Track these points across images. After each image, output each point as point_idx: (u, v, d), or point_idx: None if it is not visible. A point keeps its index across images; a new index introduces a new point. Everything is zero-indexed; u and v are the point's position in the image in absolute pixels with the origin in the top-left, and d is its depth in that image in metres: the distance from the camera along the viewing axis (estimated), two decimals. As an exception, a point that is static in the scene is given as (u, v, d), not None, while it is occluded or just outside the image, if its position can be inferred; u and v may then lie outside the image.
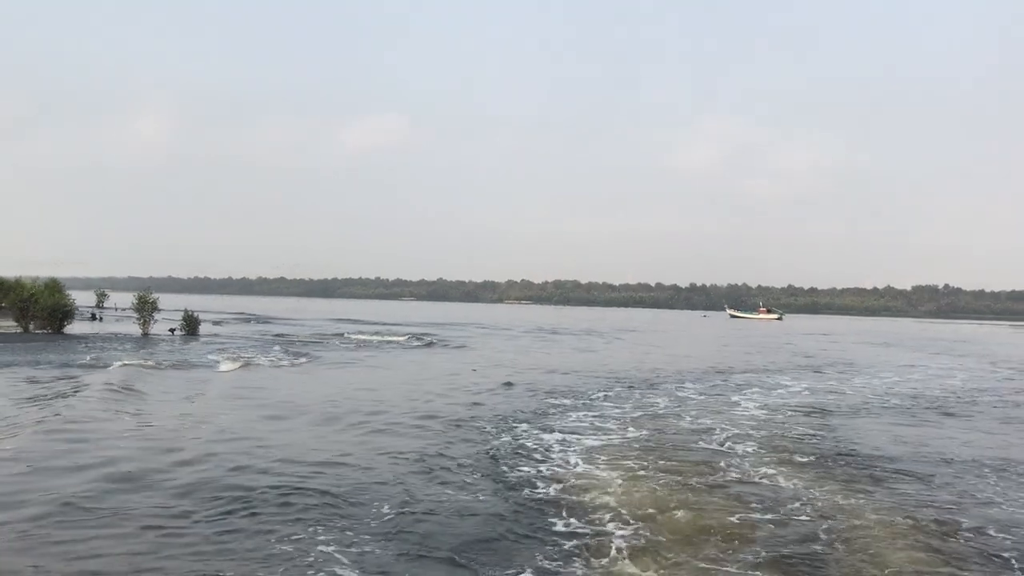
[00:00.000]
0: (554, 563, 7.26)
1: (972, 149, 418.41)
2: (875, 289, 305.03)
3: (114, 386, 18.23)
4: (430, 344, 41.08)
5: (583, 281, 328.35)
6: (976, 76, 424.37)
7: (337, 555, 7.24)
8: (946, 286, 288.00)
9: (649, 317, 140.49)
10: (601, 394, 20.70)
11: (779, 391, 22.96)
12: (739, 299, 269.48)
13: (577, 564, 7.26)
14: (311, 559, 7.11)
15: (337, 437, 13.46)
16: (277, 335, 43.99)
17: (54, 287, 38.73)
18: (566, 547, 7.73)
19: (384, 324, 64.83)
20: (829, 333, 79.54)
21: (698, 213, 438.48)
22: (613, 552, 7.59)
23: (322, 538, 7.71)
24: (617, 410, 17.73)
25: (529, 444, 13.14)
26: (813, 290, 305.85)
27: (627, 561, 7.36)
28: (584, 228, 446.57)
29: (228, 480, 9.91)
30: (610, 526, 8.44)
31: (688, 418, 16.77)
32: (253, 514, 8.46)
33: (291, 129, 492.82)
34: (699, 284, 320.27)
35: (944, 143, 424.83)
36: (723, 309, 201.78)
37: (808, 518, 8.91)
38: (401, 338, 44.22)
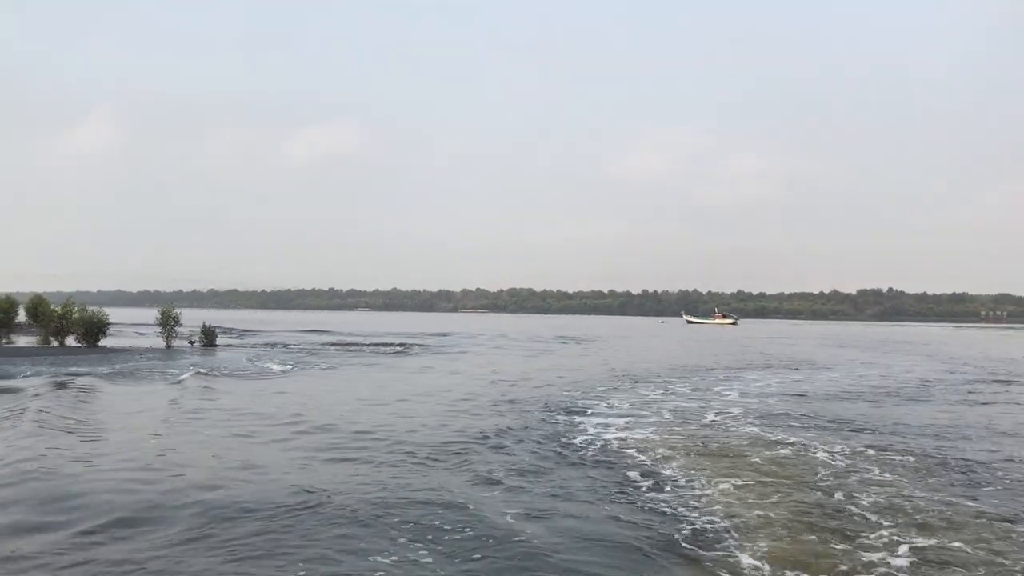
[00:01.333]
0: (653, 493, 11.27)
1: (914, 157, 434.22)
2: (822, 293, 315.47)
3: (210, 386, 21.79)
4: (434, 352, 44.85)
5: (538, 289, 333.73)
6: (921, 85, 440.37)
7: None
8: (890, 290, 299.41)
9: (610, 324, 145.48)
10: (622, 387, 24.80)
11: (764, 383, 27.30)
12: (691, 305, 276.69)
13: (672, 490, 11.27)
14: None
15: (448, 414, 17.28)
16: (285, 345, 47.20)
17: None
18: (664, 489, 11.75)
19: (361, 335, 67.89)
20: (786, 336, 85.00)
21: (648, 220, 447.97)
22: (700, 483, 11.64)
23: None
24: (651, 395, 21.86)
25: (581, 422, 17.18)
26: (762, 295, 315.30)
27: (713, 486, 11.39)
28: (537, 236, 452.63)
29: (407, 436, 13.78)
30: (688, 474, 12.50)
31: (711, 402, 20.99)
32: (435, 460, 12.35)
33: (241, 139, 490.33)
34: (651, 291, 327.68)
35: (886, 151, 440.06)
36: (677, 315, 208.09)
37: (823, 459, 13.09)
38: (397, 347, 47.86)
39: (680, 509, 9.71)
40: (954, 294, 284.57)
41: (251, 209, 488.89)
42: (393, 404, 20.03)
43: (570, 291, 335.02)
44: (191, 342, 42.18)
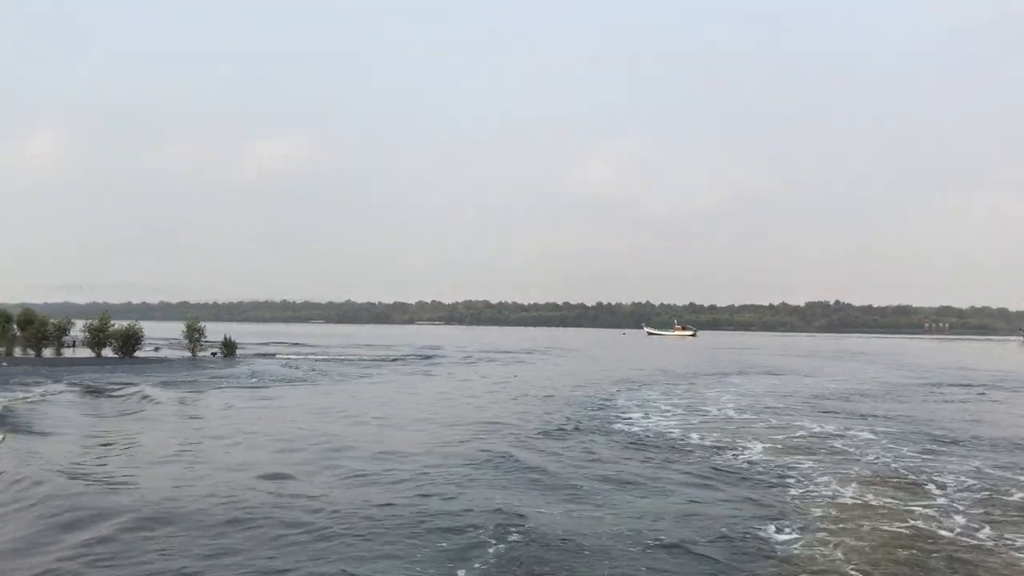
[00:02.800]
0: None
1: (858, 172, 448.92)
2: (771, 306, 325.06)
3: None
4: (437, 362, 48.54)
5: (493, 301, 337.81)
6: (866, 101, 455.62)
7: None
8: (837, 302, 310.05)
9: (572, 336, 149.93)
10: (630, 390, 28.90)
11: (754, 385, 31.66)
12: (644, 317, 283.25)
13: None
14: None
15: (511, 403, 21.14)
16: (294, 357, 50.42)
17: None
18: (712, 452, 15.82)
19: (345, 347, 70.62)
20: (747, 347, 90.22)
21: (599, 233, 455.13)
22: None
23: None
24: (660, 396, 25.99)
25: (624, 408, 21.24)
26: (713, 307, 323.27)
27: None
28: (489, 248, 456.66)
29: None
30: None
31: (711, 400, 25.21)
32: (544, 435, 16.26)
33: (192, 150, 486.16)
34: (605, 302, 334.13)
35: (832, 167, 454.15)
36: (631, 327, 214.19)
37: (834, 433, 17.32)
38: (401, 357, 51.43)
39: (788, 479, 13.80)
40: (899, 306, 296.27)
41: (201, 220, 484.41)
42: (488, 402, 23.88)
43: (525, 303, 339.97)
44: (213, 353, 45.26)
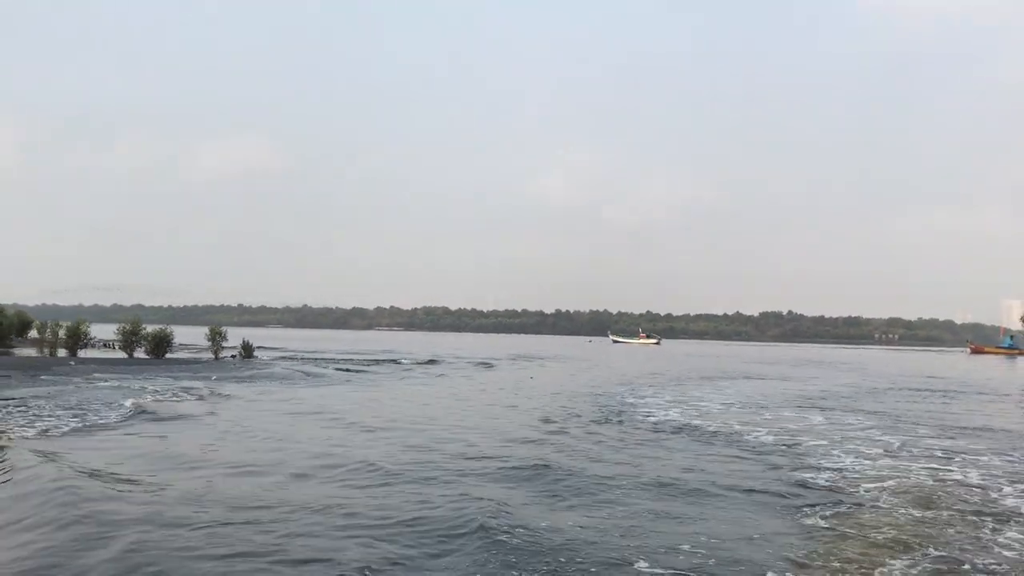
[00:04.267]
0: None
1: (810, 185, 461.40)
2: (725, 315, 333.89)
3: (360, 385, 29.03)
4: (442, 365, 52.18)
5: (452, 307, 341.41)
6: (818, 117, 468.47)
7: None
8: (790, 312, 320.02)
9: (539, 343, 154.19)
10: (636, 391, 33.01)
11: (742, 387, 35.96)
12: (602, 324, 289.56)
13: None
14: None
15: (549, 399, 25.05)
16: (297, 359, 53.65)
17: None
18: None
19: (319, 352, 73.79)
20: (713, 355, 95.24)
21: (556, 241, 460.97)
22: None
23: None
24: (665, 395, 30.11)
25: (641, 404, 25.29)
26: (669, 316, 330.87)
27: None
28: (446, 255, 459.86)
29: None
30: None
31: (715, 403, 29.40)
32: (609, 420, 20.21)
33: (143, 150, 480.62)
34: (563, 310, 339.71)
35: (784, 180, 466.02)
36: (592, 334, 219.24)
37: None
38: (405, 363, 55.01)
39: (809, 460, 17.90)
40: (849, 317, 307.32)
41: (154, 223, 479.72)
42: (526, 398, 27.75)
43: (484, 310, 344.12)
44: (233, 356, 48.35)
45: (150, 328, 46.08)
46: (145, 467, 12.96)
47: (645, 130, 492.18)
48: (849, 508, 11.05)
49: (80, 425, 17.83)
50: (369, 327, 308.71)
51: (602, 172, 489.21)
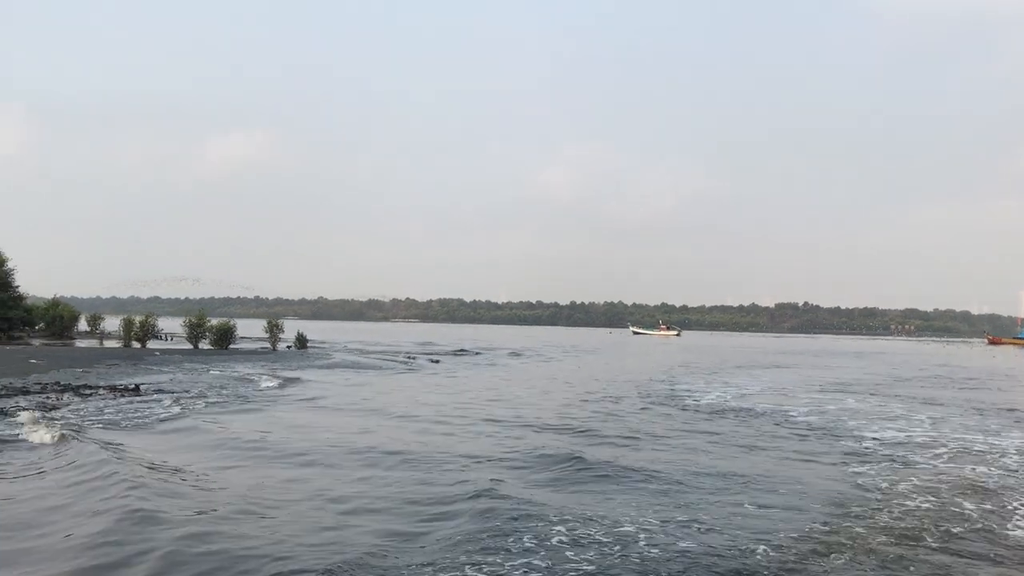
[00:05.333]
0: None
1: (827, 175, 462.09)
2: (741, 306, 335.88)
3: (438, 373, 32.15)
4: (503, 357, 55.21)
5: (467, 299, 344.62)
6: (833, 109, 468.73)
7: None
8: (805, 303, 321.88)
9: (561, 335, 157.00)
10: (676, 379, 35.96)
11: (775, 376, 38.85)
12: (618, 316, 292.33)
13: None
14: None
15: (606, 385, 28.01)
16: (353, 351, 56.78)
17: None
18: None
19: (357, 342, 76.92)
20: (735, 346, 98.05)
21: (566, 234, 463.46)
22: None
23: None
24: (705, 382, 33.05)
25: (689, 390, 28.25)
26: (684, 308, 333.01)
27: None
28: (459, 247, 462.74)
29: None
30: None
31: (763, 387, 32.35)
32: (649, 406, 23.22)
33: (154, 144, 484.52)
34: (578, 302, 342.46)
35: (796, 172, 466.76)
36: (607, 326, 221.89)
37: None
38: (452, 352, 58.07)
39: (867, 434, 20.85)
40: (866, 308, 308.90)
41: (168, 217, 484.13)
42: (593, 381, 30.82)
43: (498, 302, 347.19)
44: (288, 347, 51.56)
45: (214, 321, 49.39)
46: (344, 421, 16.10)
47: (658, 120, 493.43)
48: (899, 468, 13.96)
49: (225, 402, 20.92)
50: (385, 319, 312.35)
51: (614, 163, 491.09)
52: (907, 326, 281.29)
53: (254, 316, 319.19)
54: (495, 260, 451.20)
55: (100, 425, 16.60)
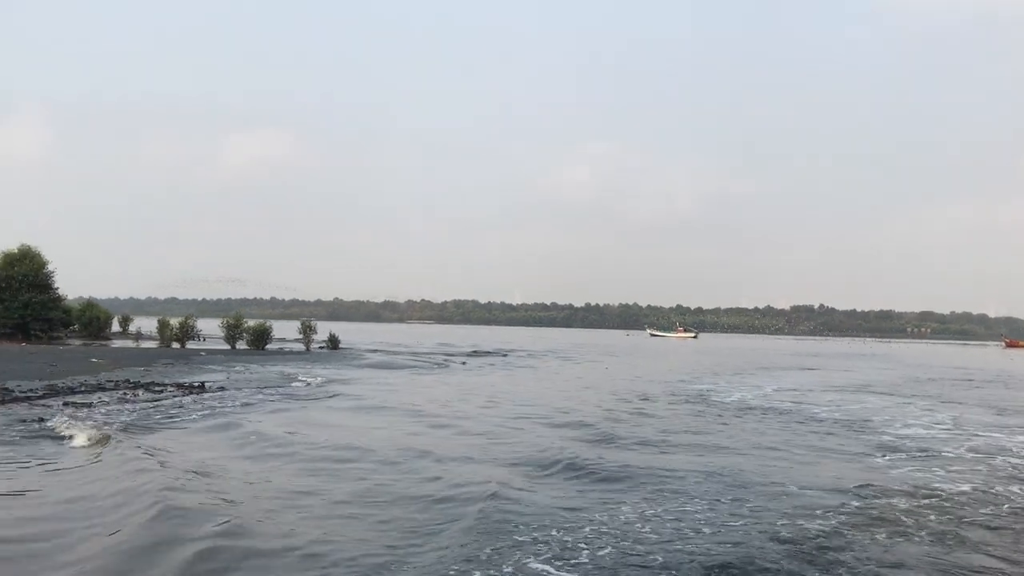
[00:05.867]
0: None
1: (841, 177, 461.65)
2: (756, 309, 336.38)
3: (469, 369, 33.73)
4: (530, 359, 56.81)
5: (481, 301, 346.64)
6: (849, 110, 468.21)
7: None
8: (821, 306, 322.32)
9: (578, 336, 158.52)
10: (701, 380, 37.39)
11: (798, 377, 40.22)
12: (633, 318, 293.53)
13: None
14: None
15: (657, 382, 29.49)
16: (379, 351, 58.41)
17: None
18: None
19: (407, 346, 78.56)
20: (754, 348, 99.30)
21: (582, 234, 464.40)
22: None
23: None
24: (731, 383, 34.47)
25: (715, 390, 29.68)
26: (700, 310, 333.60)
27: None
28: (470, 248, 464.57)
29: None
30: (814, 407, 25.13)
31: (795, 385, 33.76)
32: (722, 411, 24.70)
33: (174, 144, 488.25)
34: (592, 304, 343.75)
35: (811, 173, 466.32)
36: (622, 327, 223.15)
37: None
38: (475, 354, 59.62)
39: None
40: (881, 311, 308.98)
41: (183, 217, 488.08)
42: (621, 381, 32.33)
43: (513, 303, 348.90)
44: (320, 347, 53.27)
45: (251, 323, 51.19)
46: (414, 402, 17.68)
47: (672, 119, 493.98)
48: (923, 459, 15.39)
49: (284, 399, 22.57)
50: (400, 320, 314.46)
51: (627, 163, 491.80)
52: (923, 329, 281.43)
53: (270, 317, 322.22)
54: (509, 261, 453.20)
55: (187, 418, 18.28)
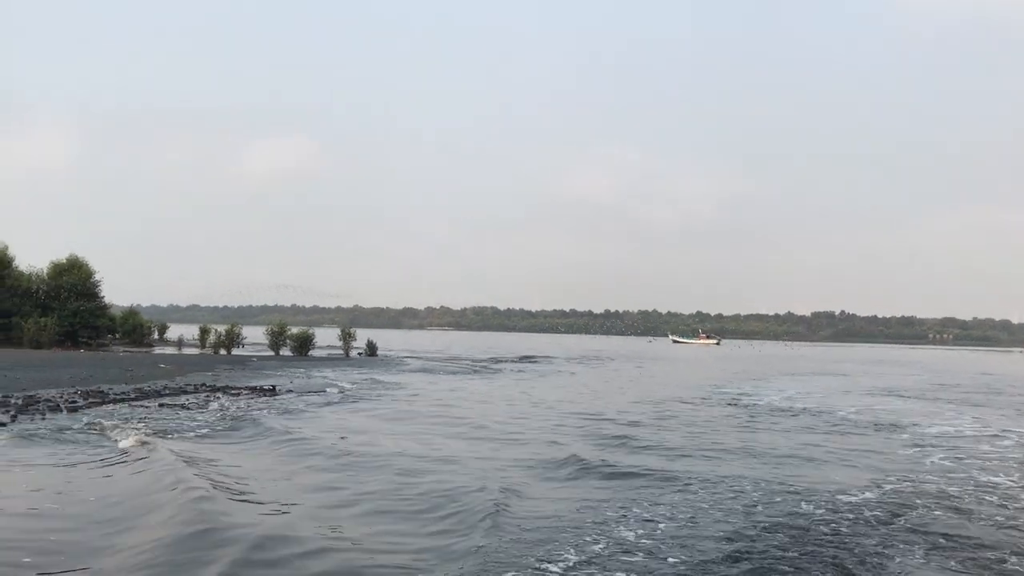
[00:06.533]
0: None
1: (862, 182, 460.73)
2: (776, 315, 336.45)
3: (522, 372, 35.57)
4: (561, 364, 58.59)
5: (501, 308, 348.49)
6: (867, 112, 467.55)
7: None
8: (842, 312, 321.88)
9: (600, 343, 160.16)
10: (732, 384, 39.04)
11: (826, 382, 41.80)
12: (652, 324, 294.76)
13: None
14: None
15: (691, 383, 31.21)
16: (419, 357, 60.35)
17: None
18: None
19: (411, 350, 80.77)
20: (778, 356, 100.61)
21: (600, 240, 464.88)
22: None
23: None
24: (763, 388, 36.11)
25: (749, 392, 31.36)
26: (720, 316, 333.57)
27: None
28: (488, 254, 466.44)
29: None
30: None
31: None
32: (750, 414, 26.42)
33: (191, 149, 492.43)
34: (612, 310, 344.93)
35: (835, 177, 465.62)
36: (642, 334, 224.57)
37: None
38: (508, 360, 61.50)
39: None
40: (903, 317, 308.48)
41: (203, 223, 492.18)
42: (665, 386, 34.11)
43: (532, 310, 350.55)
44: (359, 353, 55.31)
45: (295, 330, 53.33)
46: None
47: (692, 124, 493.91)
48: (959, 453, 17.06)
49: (352, 400, 24.50)
50: (420, 327, 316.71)
51: (645, 167, 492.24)
52: (945, 335, 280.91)
53: (291, 324, 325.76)
54: (526, 268, 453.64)
55: (280, 415, 20.25)
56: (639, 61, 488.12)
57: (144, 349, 57.74)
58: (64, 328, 53.92)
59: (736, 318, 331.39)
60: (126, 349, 55.85)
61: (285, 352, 51.72)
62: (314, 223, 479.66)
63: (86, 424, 17.48)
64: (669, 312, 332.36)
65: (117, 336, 63.64)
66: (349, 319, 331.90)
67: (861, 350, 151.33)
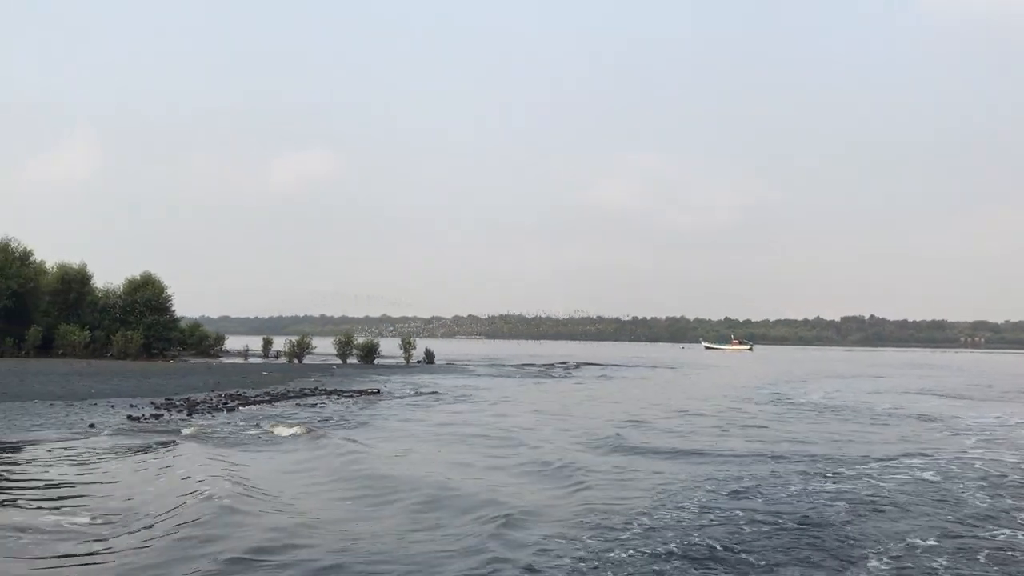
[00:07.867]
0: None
1: (890, 184, 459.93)
2: (806, 320, 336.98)
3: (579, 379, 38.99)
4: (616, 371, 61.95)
5: (528, 315, 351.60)
6: (895, 114, 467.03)
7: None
8: (872, 316, 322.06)
9: (631, 350, 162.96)
10: (778, 386, 42.14)
11: (865, 384, 44.78)
12: (680, 331, 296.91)
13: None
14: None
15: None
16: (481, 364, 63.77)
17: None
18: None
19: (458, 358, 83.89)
20: (813, 360, 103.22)
21: (626, 246, 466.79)
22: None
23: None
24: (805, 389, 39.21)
25: (797, 392, 34.50)
26: (748, 322, 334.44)
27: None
28: (511, 261, 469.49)
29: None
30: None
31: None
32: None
33: (222, 162, 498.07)
34: (639, 317, 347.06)
35: (864, 179, 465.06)
36: (670, 340, 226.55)
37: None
38: (556, 365, 64.84)
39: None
40: (933, 321, 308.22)
41: (227, 235, 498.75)
42: (738, 385, 37.37)
43: (559, 317, 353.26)
44: (419, 361, 58.91)
45: (360, 339, 57.10)
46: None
47: (712, 129, 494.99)
48: (1001, 440, 20.20)
49: (446, 401, 27.97)
50: (448, 335, 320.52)
51: (669, 174, 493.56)
52: (976, 338, 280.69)
53: (320, 334, 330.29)
54: (550, 275, 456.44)
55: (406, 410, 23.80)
56: (657, 64, 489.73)
57: (212, 359, 61.56)
58: (141, 341, 57.96)
59: (765, 324, 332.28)
60: (200, 359, 59.70)
61: (351, 360, 55.36)
62: (338, 235, 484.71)
63: (253, 422, 20.86)
64: (697, 319, 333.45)
65: (183, 348, 67.63)
66: (379, 329, 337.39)
67: (892, 354, 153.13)
